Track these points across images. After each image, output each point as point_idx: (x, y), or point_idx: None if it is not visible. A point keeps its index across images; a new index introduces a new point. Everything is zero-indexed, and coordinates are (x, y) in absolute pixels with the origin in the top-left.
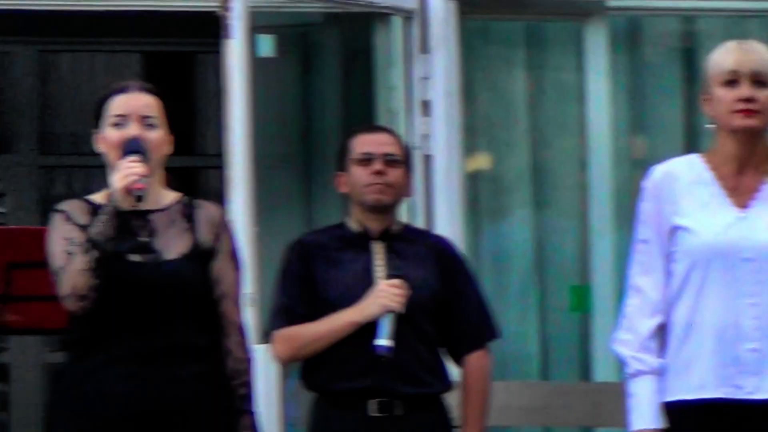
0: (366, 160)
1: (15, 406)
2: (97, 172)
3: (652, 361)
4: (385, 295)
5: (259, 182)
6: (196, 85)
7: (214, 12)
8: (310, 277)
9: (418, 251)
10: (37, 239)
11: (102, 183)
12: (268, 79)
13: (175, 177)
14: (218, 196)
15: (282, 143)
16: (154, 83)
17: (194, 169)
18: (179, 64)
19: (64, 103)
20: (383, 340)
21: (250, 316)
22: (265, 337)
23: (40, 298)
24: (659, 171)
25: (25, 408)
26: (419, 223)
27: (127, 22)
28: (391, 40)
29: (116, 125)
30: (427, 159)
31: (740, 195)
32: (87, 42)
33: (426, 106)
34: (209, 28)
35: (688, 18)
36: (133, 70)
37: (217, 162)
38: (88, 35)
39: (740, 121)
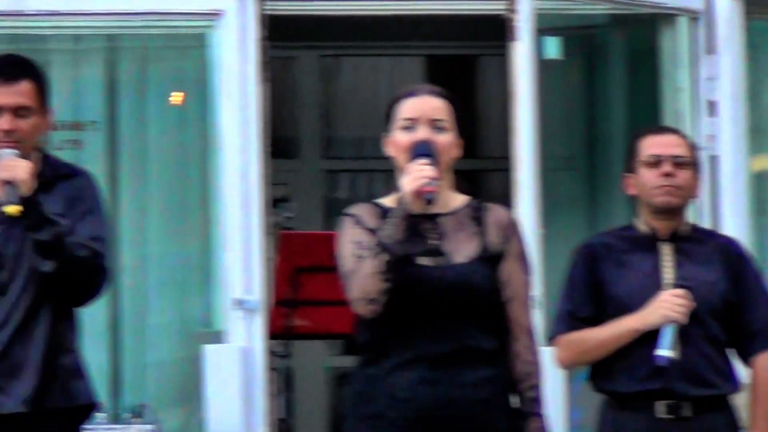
0: (655, 162)
1: (300, 411)
2: (378, 175)
3: None
4: (668, 305)
5: (544, 184)
6: (477, 87)
7: (499, 15)
8: (597, 279)
9: (706, 252)
10: (324, 244)
11: (383, 186)
12: (553, 81)
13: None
14: (499, 198)
15: (567, 145)
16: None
17: (476, 172)
18: (462, 67)
19: (347, 107)
20: (664, 351)
21: (537, 319)
22: (550, 341)
23: (327, 302)
24: None
25: (310, 412)
26: (705, 224)
27: (409, 26)
28: (677, 41)
29: (406, 129)
30: (713, 160)
31: None
32: (369, 46)
33: (712, 106)
34: (492, 31)
35: None
36: (415, 73)
37: (498, 165)
38: (370, 39)
39: None
